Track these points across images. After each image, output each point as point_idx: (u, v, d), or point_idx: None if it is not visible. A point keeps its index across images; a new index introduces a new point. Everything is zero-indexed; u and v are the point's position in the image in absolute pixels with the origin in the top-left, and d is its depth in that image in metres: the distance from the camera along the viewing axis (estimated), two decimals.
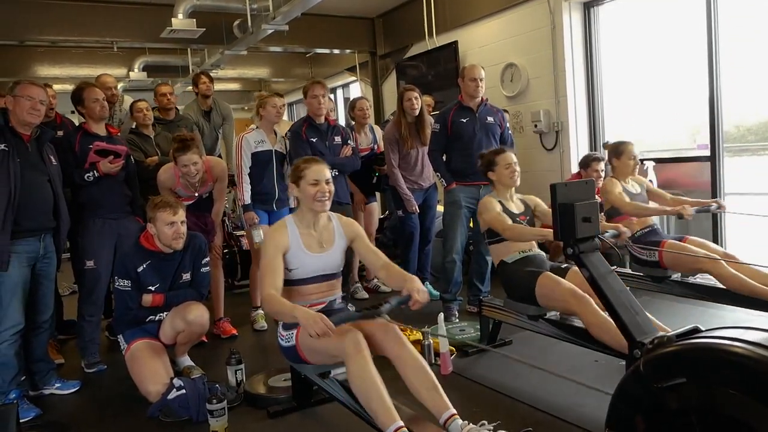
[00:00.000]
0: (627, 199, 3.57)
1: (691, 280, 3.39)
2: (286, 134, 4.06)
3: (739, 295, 3.11)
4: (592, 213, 1.81)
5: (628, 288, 2.08)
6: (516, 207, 3.24)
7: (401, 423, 1.90)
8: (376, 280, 4.96)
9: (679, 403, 1.34)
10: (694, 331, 1.51)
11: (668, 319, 2.48)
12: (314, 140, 3.56)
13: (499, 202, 3.21)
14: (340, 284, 2.58)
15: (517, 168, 3.23)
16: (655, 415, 1.39)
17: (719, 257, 3.22)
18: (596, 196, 2.32)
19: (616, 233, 2.75)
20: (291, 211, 3.91)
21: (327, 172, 2.44)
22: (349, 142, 3.72)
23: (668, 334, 1.52)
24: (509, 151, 3.33)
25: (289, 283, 2.40)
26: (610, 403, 1.51)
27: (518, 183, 3.25)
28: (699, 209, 3.49)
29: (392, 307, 2.12)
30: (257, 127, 4.00)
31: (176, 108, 4.73)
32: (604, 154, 4.15)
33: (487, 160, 3.33)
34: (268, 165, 3.93)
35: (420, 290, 2.19)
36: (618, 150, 3.74)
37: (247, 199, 3.88)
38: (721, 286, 3.28)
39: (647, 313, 2.35)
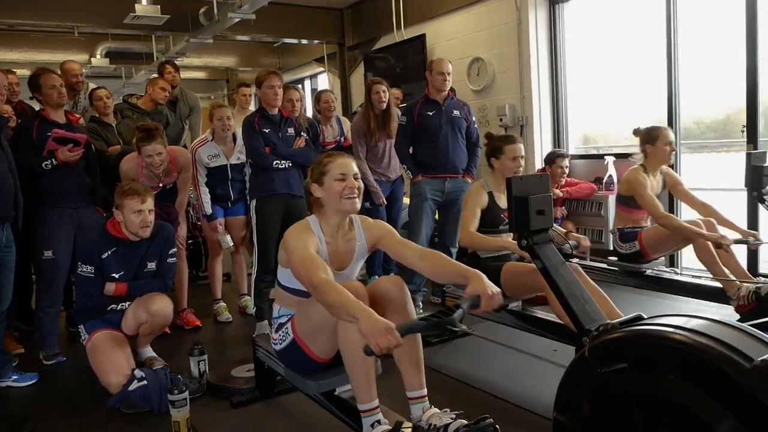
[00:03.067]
0: (660, 206, 3.30)
1: (649, 272, 3.45)
2: None
3: (694, 285, 3.22)
4: (545, 206, 1.88)
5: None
6: (505, 202, 2.91)
7: (377, 403, 1.92)
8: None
9: (621, 388, 1.41)
10: (637, 319, 1.58)
11: (623, 309, 2.57)
12: (267, 131, 3.56)
13: (489, 193, 3.01)
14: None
15: (523, 163, 3.01)
16: (599, 399, 1.46)
17: (700, 223, 3.15)
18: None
19: (576, 245, 2.76)
20: (246, 206, 3.89)
21: (354, 166, 2.18)
22: (302, 134, 3.72)
23: (612, 321, 1.58)
24: (519, 142, 3.08)
25: (298, 294, 2.11)
26: (558, 388, 1.57)
27: None
28: (737, 240, 3.16)
29: (464, 313, 1.80)
30: (212, 140, 3.92)
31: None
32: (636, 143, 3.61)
33: (494, 145, 3.09)
34: (224, 176, 3.94)
35: (492, 290, 1.81)
36: (652, 135, 3.39)
37: (208, 210, 3.91)
38: (677, 277, 3.42)
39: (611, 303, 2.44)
